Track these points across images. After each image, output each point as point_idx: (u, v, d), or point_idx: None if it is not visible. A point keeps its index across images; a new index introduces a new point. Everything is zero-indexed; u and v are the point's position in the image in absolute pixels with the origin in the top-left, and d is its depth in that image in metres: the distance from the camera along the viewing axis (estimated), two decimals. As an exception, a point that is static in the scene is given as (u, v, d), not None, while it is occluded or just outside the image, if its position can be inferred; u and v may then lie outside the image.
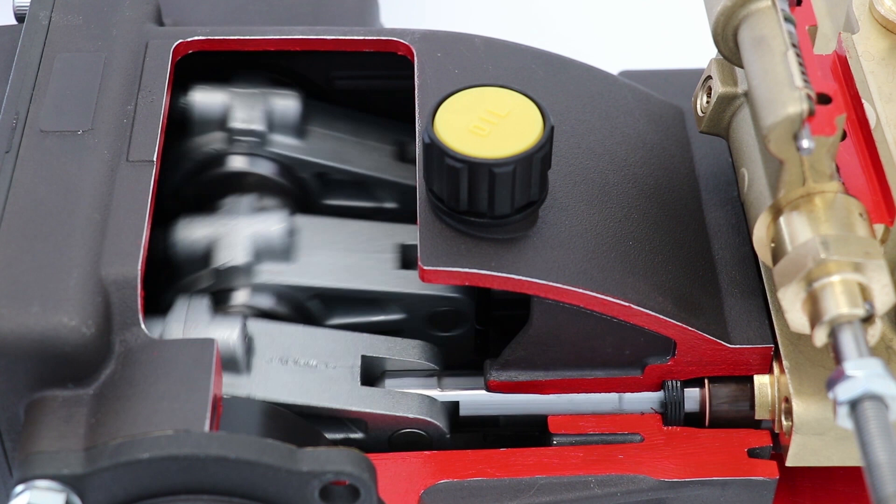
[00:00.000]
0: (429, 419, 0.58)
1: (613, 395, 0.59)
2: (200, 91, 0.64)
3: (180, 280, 0.61)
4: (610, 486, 0.57)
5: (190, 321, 0.57)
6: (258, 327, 0.58)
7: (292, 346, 0.58)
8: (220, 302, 0.60)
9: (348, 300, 0.61)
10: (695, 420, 0.59)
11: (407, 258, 0.62)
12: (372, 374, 0.59)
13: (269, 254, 0.60)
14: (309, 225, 0.62)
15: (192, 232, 0.61)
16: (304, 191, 0.65)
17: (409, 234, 0.62)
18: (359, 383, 0.58)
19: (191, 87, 0.64)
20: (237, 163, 0.64)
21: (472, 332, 0.62)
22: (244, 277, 0.60)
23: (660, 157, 0.62)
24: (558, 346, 0.57)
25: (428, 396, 0.58)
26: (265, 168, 0.64)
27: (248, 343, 0.58)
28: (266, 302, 0.60)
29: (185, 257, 0.61)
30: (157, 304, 0.60)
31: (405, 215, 0.64)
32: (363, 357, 0.59)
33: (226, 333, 0.57)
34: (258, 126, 0.63)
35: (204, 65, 0.64)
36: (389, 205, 0.65)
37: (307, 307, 0.60)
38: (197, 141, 0.64)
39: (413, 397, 0.58)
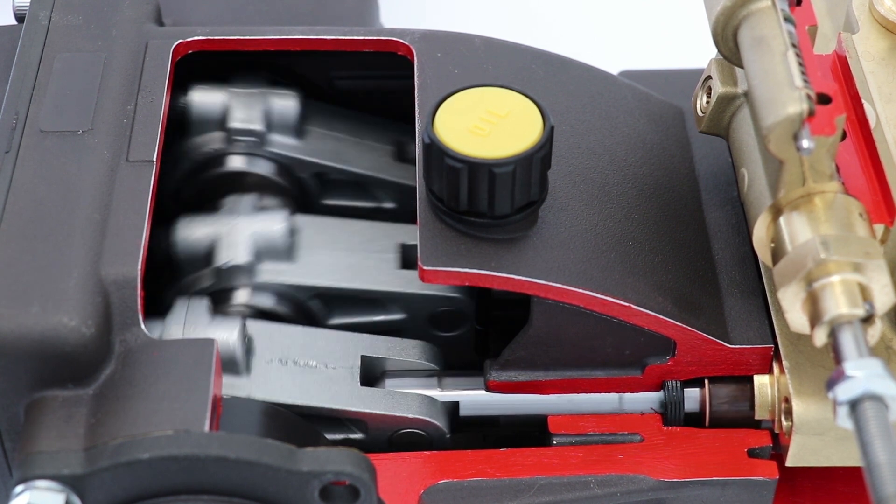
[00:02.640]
0: (429, 419, 0.58)
1: (613, 395, 0.59)
2: (199, 91, 0.64)
3: (181, 279, 0.61)
4: (610, 486, 0.57)
5: (189, 322, 0.57)
6: (258, 328, 0.58)
7: (292, 346, 0.58)
8: (221, 301, 0.60)
9: (349, 300, 0.61)
10: (695, 420, 0.59)
11: (408, 258, 0.62)
12: (372, 374, 0.59)
13: (270, 253, 0.60)
14: (310, 224, 0.62)
15: (193, 231, 0.61)
16: (302, 191, 0.65)
17: (410, 233, 0.62)
18: (358, 384, 0.58)
19: (190, 87, 0.64)
20: (236, 163, 0.64)
21: (472, 332, 0.62)
22: (245, 277, 0.60)
23: (660, 157, 0.62)
24: (558, 346, 0.57)
25: (428, 396, 0.58)
26: (264, 168, 0.64)
27: (248, 344, 0.58)
28: (267, 301, 0.60)
29: (185, 256, 0.61)
30: (158, 304, 0.60)
31: (404, 215, 0.64)
32: (363, 357, 0.59)
33: (225, 334, 0.57)
34: (257, 126, 0.63)
35: (204, 64, 0.64)
36: (388, 205, 0.65)
37: (308, 307, 0.60)
38: (196, 141, 0.64)
39: (413, 397, 0.58)
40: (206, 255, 0.61)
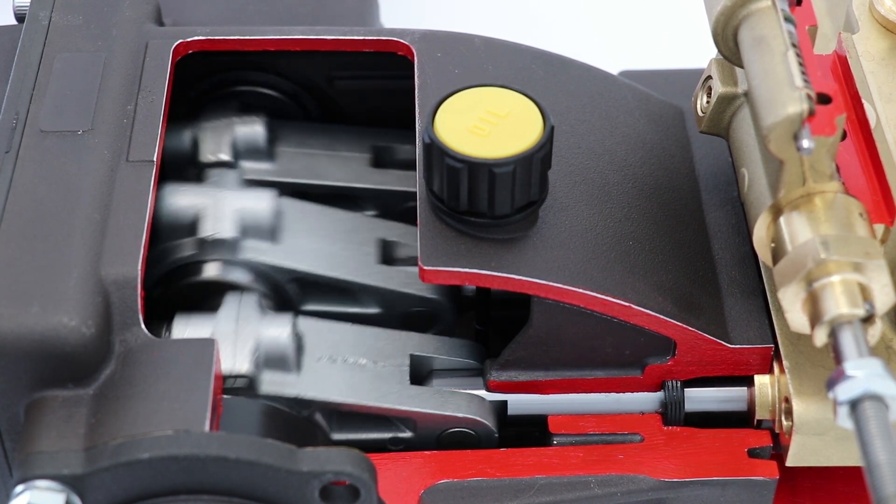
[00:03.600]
0: (478, 418, 0.58)
1: (613, 395, 0.59)
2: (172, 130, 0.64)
3: (159, 244, 0.60)
4: (610, 486, 0.57)
5: (242, 319, 0.57)
6: (308, 325, 0.58)
7: (342, 344, 0.58)
8: (194, 273, 0.60)
9: (326, 288, 0.61)
10: (695, 420, 0.59)
11: (386, 254, 0.62)
12: (419, 372, 0.59)
13: (254, 231, 0.60)
14: (294, 208, 0.62)
15: (179, 198, 0.61)
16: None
17: (391, 230, 0.62)
18: (408, 382, 0.58)
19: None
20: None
21: (452, 333, 0.62)
22: (227, 251, 0.60)
23: (660, 157, 0.62)
24: (558, 346, 0.57)
25: (477, 396, 0.58)
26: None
27: (299, 341, 0.57)
28: (243, 278, 0.60)
29: (168, 223, 0.60)
30: None
31: (388, 219, 0.64)
32: (411, 356, 0.59)
33: (277, 331, 0.57)
34: (225, 155, 0.64)
35: (209, 65, 0.64)
36: (370, 212, 0.65)
37: (284, 289, 0.60)
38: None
39: (462, 396, 0.58)
40: (189, 225, 0.60)
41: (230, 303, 0.58)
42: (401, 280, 0.61)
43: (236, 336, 0.57)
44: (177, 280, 0.60)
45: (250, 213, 0.60)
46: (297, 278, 0.60)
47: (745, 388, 0.58)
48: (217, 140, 0.64)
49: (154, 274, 0.60)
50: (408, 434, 0.58)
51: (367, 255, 0.61)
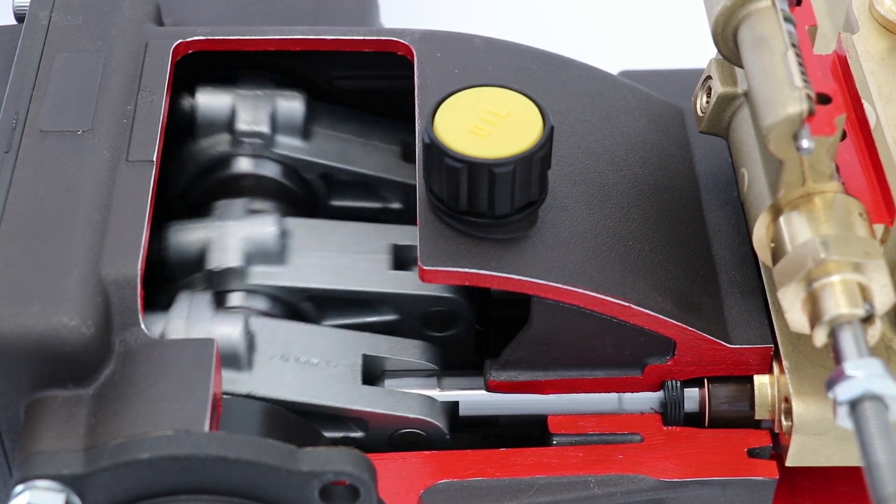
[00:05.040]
0: (429, 419, 0.58)
1: (613, 395, 0.59)
2: (206, 93, 0.64)
3: (175, 283, 0.61)
4: (610, 486, 0.57)
5: (192, 318, 0.57)
6: (260, 324, 0.58)
7: (294, 343, 0.58)
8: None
9: (341, 301, 0.61)
10: (695, 420, 0.59)
11: (400, 259, 0.62)
12: (372, 373, 0.59)
13: (261, 256, 0.60)
14: (301, 227, 0.62)
15: (185, 235, 0.61)
16: (309, 192, 0.65)
17: (402, 234, 0.62)
18: (360, 382, 0.58)
19: (196, 88, 0.64)
20: (243, 165, 0.64)
21: (471, 332, 0.62)
22: (237, 280, 0.60)
23: (660, 157, 0.62)
24: (558, 346, 0.57)
25: (428, 396, 0.58)
26: (271, 170, 0.64)
27: (250, 340, 0.58)
28: (260, 304, 0.60)
29: (177, 260, 0.61)
30: (154, 304, 0.60)
31: (411, 215, 0.64)
32: (364, 356, 0.59)
33: (228, 329, 0.57)
34: (263, 128, 0.63)
35: (211, 64, 0.64)
36: (395, 205, 0.65)
37: (300, 309, 0.60)
38: (203, 143, 0.64)
39: (414, 397, 0.58)
40: (198, 259, 0.60)
41: (181, 302, 0.58)
42: (416, 283, 0.60)
43: (187, 334, 0.57)
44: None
45: (255, 240, 0.60)
46: (311, 296, 0.60)
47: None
48: (255, 110, 0.64)
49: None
50: (359, 434, 0.58)
51: (379, 263, 0.61)
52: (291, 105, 0.64)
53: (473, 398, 0.59)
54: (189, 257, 0.61)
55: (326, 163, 0.64)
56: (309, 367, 0.58)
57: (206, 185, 0.64)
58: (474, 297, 0.61)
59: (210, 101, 0.64)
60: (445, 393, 0.59)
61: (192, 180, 0.64)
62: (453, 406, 0.59)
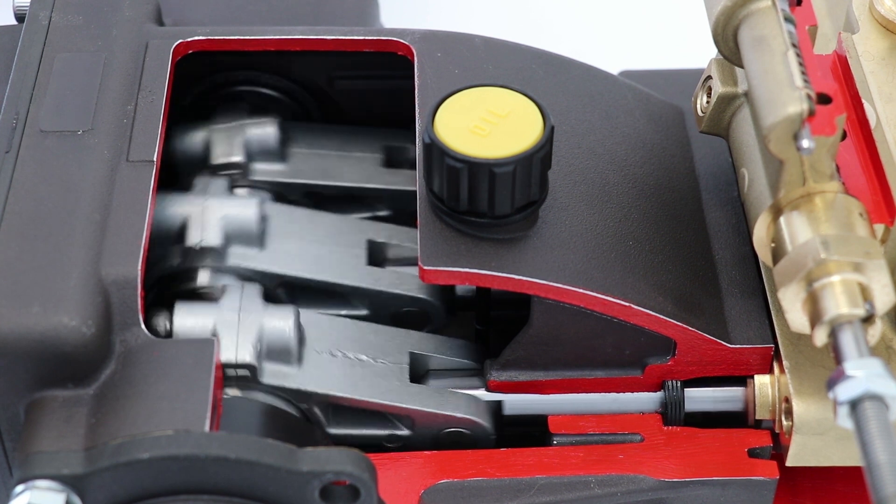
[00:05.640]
0: (475, 419, 0.58)
1: (613, 395, 0.59)
2: (182, 133, 0.64)
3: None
4: (610, 486, 0.57)
5: (244, 309, 0.57)
6: (309, 319, 0.58)
7: (343, 339, 0.58)
8: (184, 281, 0.60)
9: (314, 291, 0.61)
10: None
11: (375, 255, 0.62)
12: (417, 371, 0.59)
13: (240, 237, 0.60)
14: (280, 213, 0.62)
15: (165, 208, 0.61)
16: None
17: (380, 231, 0.63)
18: (408, 380, 0.58)
19: (172, 131, 0.64)
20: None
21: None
22: (214, 259, 0.60)
23: (660, 157, 0.62)
24: (558, 346, 0.57)
25: (474, 396, 0.58)
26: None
27: (301, 334, 0.58)
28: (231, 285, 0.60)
29: (156, 232, 0.60)
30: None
31: (400, 221, 0.64)
32: (411, 354, 0.59)
33: (280, 323, 0.57)
34: (238, 158, 0.64)
35: (201, 66, 0.65)
36: (383, 212, 0.65)
37: (273, 294, 0.60)
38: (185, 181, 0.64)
39: (460, 396, 0.58)
40: (176, 234, 0.60)
41: (232, 293, 0.58)
42: (390, 281, 0.61)
43: (239, 326, 0.57)
44: (166, 288, 0.60)
45: (236, 220, 0.60)
46: (286, 283, 0.60)
47: (742, 389, 0.58)
48: (229, 142, 0.64)
49: (145, 282, 0.60)
50: (405, 432, 0.58)
51: (356, 258, 0.61)
52: (264, 131, 0.64)
53: (518, 398, 0.58)
54: (166, 230, 0.60)
55: (307, 182, 0.64)
56: (357, 363, 0.58)
57: None
58: (448, 301, 0.61)
59: (187, 140, 0.64)
60: (491, 393, 0.59)
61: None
62: (497, 405, 0.59)
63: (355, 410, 0.58)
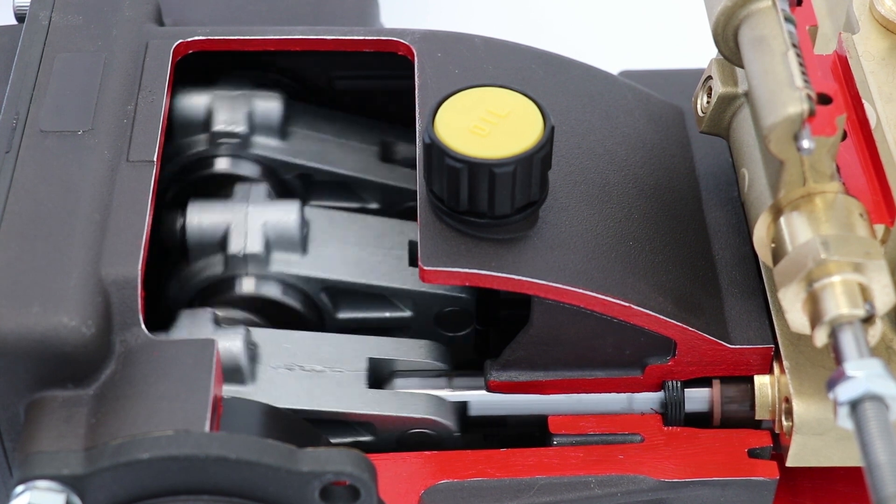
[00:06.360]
0: (437, 419, 0.58)
1: (614, 395, 0.59)
2: (184, 94, 0.64)
3: (190, 264, 0.61)
4: (610, 487, 0.57)
5: (194, 334, 0.57)
6: (263, 335, 0.58)
7: (298, 352, 0.58)
8: (228, 289, 0.60)
9: (358, 295, 0.61)
10: (696, 420, 0.59)
11: (416, 256, 0.62)
12: (380, 375, 0.59)
13: (282, 243, 0.60)
14: (320, 217, 0.62)
15: (206, 216, 0.61)
16: (287, 192, 0.65)
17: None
18: (365, 386, 0.58)
19: (176, 90, 0.64)
20: (220, 165, 0.64)
21: (473, 332, 0.62)
22: (256, 266, 0.60)
23: (660, 157, 0.62)
24: (558, 346, 0.57)
25: (436, 396, 0.58)
26: (248, 170, 0.64)
27: (253, 351, 0.57)
28: (275, 292, 0.60)
29: (196, 241, 0.61)
30: (164, 292, 0.60)
31: (389, 215, 0.64)
32: (370, 359, 0.59)
33: (228, 343, 0.57)
34: (240, 128, 0.63)
35: (193, 64, 0.64)
36: (373, 205, 0.65)
37: (316, 300, 0.60)
38: (181, 143, 0.64)
39: (420, 397, 0.58)
40: (218, 242, 0.60)
41: (183, 319, 0.58)
42: None
43: None
44: (209, 298, 0.60)
45: (277, 227, 0.60)
46: (328, 287, 0.60)
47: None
48: (234, 110, 0.64)
49: (189, 289, 0.60)
50: (368, 437, 0.58)
51: (397, 259, 0.61)
52: (269, 105, 0.64)
53: (483, 398, 0.59)
54: (208, 239, 0.60)
55: (304, 163, 0.64)
56: (314, 374, 0.58)
57: (185, 184, 0.64)
58: (477, 297, 0.62)
59: (188, 101, 0.64)
60: (454, 392, 0.59)
61: (170, 180, 0.64)
62: (462, 405, 0.59)
63: (316, 422, 0.57)
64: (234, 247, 0.60)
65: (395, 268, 0.61)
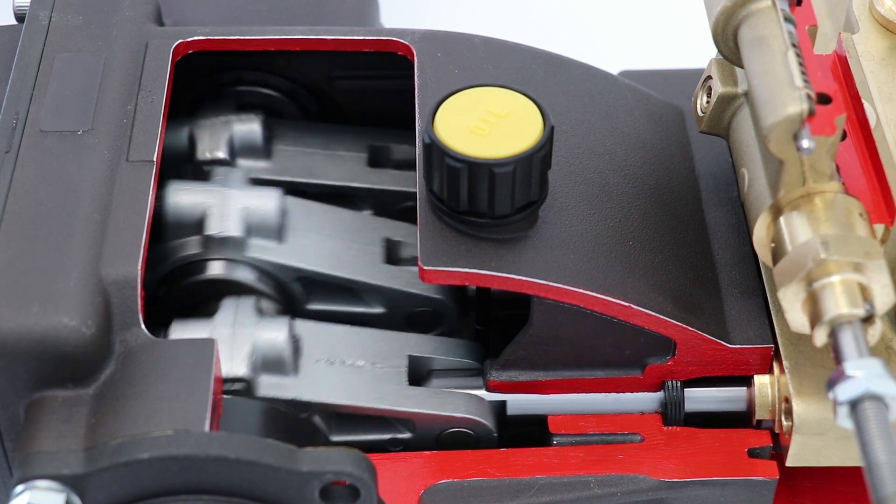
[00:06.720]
0: (476, 418, 0.58)
1: (613, 395, 0.59)
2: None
3: (164, 242, 0.61)
4: (610, 486, 0.57)
5: (239, 323, 0.57)
6: (305, 328, 0.58)
7: (339, 346, 0.58)
8: (198, 272, 0.60)
9: (331, 287, 0.61)
10: (697, 420, 0.59)
11: (392, 253, 0.62)
12: (418, 373, 0.59)
13: (260, 230, 0.60)
14: (299, 207, 0.62)
15: (185, 197, 0.61)
16: None
17: (396, 229, 0.63)
18: (406, 383, 0.58)
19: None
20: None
21: (453, 334, 0.62)
22: (233, 249, 0.60)
23: (660, 157, 0.62)
24: (558, 346, 0.57)
25: (475, 396, 0.58)
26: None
27: (296, 343, 0.58)
28: (248, 277, 0.60)
29: (173, 221, 0.60)
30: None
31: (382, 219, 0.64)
32: (409, 357, 0.59)
33: (273, 334, 0.57)
34: (221, 153, 0.64)
35: (197, 66, 0.65)
36: (366, 211, 0.65)
37: (289, 289, 0.60)
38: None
39: (460, 396, 0.58)
40: (195, 223, 0.60)
41: (227, 307, 0.58)
42: (406, 280, 0.61)
43: (233, 340, 0.57)
44: (181, 278, 0.60)
45: (257, 212, 0.60)
46: (302, 277, 0.60)
47: (745, 389, 0.58)
48: (214, 138, 0.64)
49: (159, 272, 0.60)
50: (406, 435, 0.58)
51: (372, 255, 0.61)
52: (249, 128, 0.64)
53: (521, 398, 0.58)
54: (186, 219, 0.60)
55: (291, 179, 0.64)
56: (355, 369, 0.58)
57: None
58: (461, 302, 0.61)
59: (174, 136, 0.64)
60: (493, 392, 0.59)
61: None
62: (500, 404, 0.59)
63: (356, 417, 0.58)
64: (212, 228, 0.60)
65: (369, 263, 0.61)
